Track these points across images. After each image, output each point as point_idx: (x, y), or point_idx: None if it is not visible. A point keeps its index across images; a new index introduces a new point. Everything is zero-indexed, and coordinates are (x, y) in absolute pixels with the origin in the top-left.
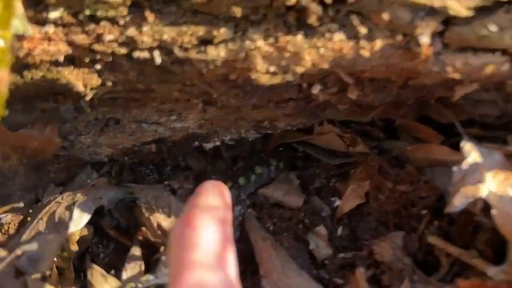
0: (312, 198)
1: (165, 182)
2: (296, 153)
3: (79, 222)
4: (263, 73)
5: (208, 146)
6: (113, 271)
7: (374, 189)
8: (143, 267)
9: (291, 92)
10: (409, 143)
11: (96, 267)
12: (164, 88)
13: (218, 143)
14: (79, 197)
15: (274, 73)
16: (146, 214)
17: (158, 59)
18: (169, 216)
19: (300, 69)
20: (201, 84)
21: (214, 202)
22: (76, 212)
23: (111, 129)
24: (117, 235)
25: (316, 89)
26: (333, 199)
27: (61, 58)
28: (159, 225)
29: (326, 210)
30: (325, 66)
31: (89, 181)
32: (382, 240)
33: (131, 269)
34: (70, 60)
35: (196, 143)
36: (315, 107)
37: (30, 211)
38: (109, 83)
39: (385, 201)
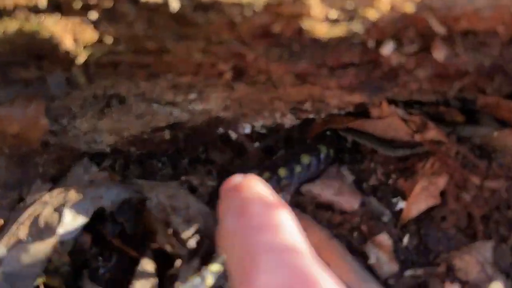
0: (369, 199)
1: (182, 178)
2: (343, 144)
3: (72, 228)
4: (320, 21)
5: (235, 134)
6: None
7: (455, 186)
8: (156, 286)
9: (352, 53)
10: (495, 128)
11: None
12: (181, 47)
13: (247, 130)
14: (72, 196)
15: (335, 21)
16: (159, 218)
17: (174, 4)
18: (188, 221)
19: (372, 15)
20: (233, 41)
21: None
22: (69, 215)
23: (114, 110)
24: (121, 244)
25: (387, 48)
26: (394, 200)
27: (43, 2)
28: (175, 232)
29: (387, 214)
30: (410, 9)
31: (86, 176)
32: (465, 252)
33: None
34: (56, 6)
35: (221, 130)
36: (381, 77)
37: None
38: (108, 40)
39: (471, 202)
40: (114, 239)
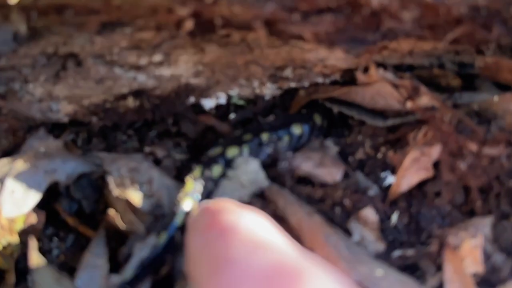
0: (354, 173)
1: (146, 150)
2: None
3: (22, 203)
4: None
5: (209, 104)
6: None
7: (449, 155)
8: (106, 266)
9: None
10: (495, 93)
11: (47, 267)
12: None
13: (222, 100)
14: (20, 165)
15: None
16: (116, 192)
17: None
18: (151, 195)
19: None
20: None
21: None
22: (19, 189)
23: (71, 74)
24: (78, 224)
25: None
26: (383, 174)
27: None
28: (130, 205)
29: (374, 189)
30: None
31: (42, 149)
32: (461, 229)
33: (90, 268)
34: None
35: (192, 99)
36: (362, 24)
37: None
38: None
39: (468, 173)
40: (70, 218)
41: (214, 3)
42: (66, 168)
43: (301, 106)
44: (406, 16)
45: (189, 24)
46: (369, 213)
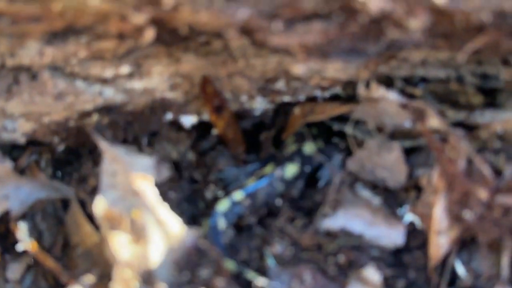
0: None
1: None
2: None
3: None
4: None
5: (189, 121)
6: None
7: (455, 203)
8: None
9: None
10: None
11: None
12: None
13: (205, 117)
14: None
15: None
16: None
17: None
18: None
19: None
20: None
21: None
22: None
23: (25, 88)
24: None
25: None
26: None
27: None
28: None
29: None
30: None
31: None
32: None
33: None
34: None
35: (169, 115)
36: (359, 33)
37: None
38: None
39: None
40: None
41: (174, 9)
42: (19, 194)
43: (295, 130)
44: (414, 25)
45: (149, 34)
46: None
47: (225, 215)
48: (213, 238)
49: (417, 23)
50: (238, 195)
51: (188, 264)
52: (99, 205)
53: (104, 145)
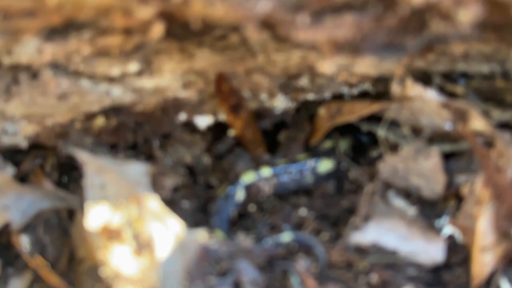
0: None
1: None
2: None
3: None
4: None
5: (204, 121)
6: None
7: (503, 217)
8: None
9: None
10: None
11: None
12: None
13: (221, 116)
14: None
15: None
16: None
17: None
18: None
19: None
20: None
21: None
22: None
23: (25, 88)
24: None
25: None
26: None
27: None
28: None
29: None
30: None
31: None
32: None
33: None
34: None
35: (183, 116)
36: (398, 27)
37: None
38: None
39: None
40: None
41: (184, 3)
42: (21, 204)
43: (323, 134)
44: (463, 17)
45: (157, 28)
46: None
47: (247, 187)
48: (222, 207)
49: (467, 14)
50: (266, 171)
51: (200, 272)
52: (92, 221)
53: (84, 157)
